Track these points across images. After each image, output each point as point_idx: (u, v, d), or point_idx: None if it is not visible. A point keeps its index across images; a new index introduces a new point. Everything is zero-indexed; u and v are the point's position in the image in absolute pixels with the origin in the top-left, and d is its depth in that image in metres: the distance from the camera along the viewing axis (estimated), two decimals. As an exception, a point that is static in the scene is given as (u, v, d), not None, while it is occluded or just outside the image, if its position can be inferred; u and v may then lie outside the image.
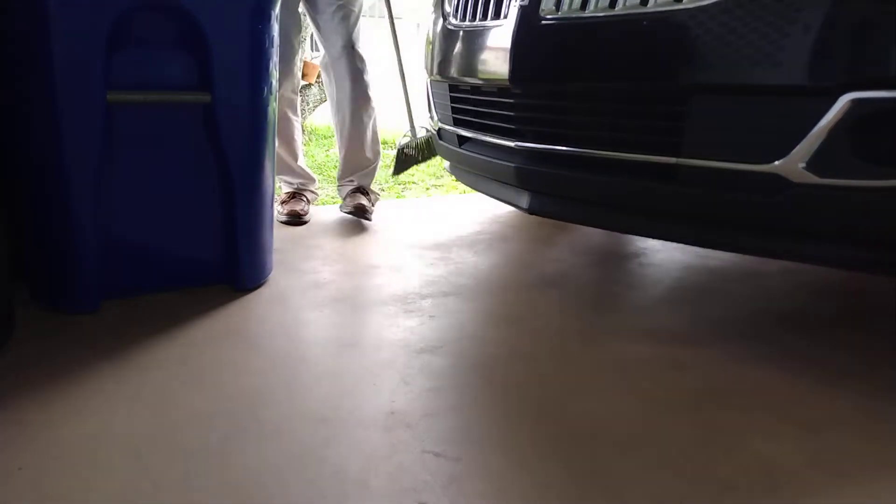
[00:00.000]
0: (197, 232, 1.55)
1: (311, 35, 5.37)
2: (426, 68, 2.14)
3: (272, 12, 1.53)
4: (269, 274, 1.71)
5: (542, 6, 1.46)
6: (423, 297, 1.63)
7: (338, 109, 2.29)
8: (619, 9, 1.31)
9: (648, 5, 1.26)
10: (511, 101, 1.62)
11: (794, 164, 1.11)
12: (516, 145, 1.64)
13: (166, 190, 1.49)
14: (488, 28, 1.67)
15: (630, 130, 1.36)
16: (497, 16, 1.65)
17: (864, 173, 1.08)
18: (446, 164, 2.29)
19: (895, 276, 1.47)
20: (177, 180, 1.50)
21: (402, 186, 3.30)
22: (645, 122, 1.33)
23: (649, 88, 1.32)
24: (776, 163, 1.13)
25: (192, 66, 1.44)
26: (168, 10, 1.38)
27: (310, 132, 5.02)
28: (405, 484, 0.90)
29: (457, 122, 1.98)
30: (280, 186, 2.38)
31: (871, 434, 1.05)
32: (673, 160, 1.27)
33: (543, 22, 1.46)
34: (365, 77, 2.26)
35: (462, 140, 1.97)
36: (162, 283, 1.56)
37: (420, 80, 2.34)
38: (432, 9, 2.06)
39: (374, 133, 2.37)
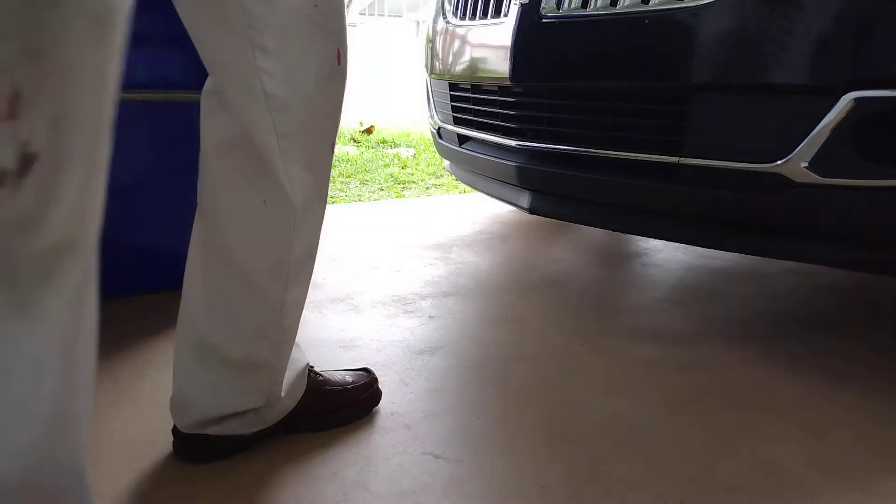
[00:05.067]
0: (196, 231, 1.55)
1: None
2: (426, 67, 2.13)
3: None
4: (269, 274, 1.70)
5: (543, 4, 1.45)
6: (423, 297, 1.62)
7: None
8: (620, 7, 1.30)
9: (650, 4, 1.25)
10: (512, 99, 1.62)
11: (796, 163, 1.11)
12: (517, 144, 1.63)
13: (165, 189, 1.48)
14: (489, 26, 1.66)
15: (631, 129, 1.35)
16: (497, 14, 1.65)
17: (866, 173, 1.07)
18: (446, 163, 2.28)
19: (897, 277, 1.46)
20: (175, 179, 1.49)
21: (401, 186, 3.29)
22: (646, 120, 1.32)
23: (651, 87, 1.31)
24: (778, 162, 1.12)
25: (190, 65, 1.43)
26: (166, 8, 1.37)
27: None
28: (405, 485, 0.89)
29: (457, 122, 1.97)
30: None
31: (873, 435, 1.04)
32: (675, 159, 1.26)
33: (544, 20, 1.45)
34: None
35: (462, 139, 1.96)
36: (161, 282, 1.55)
37: (420, 79, 2.33)
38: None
39: None
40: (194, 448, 0.93)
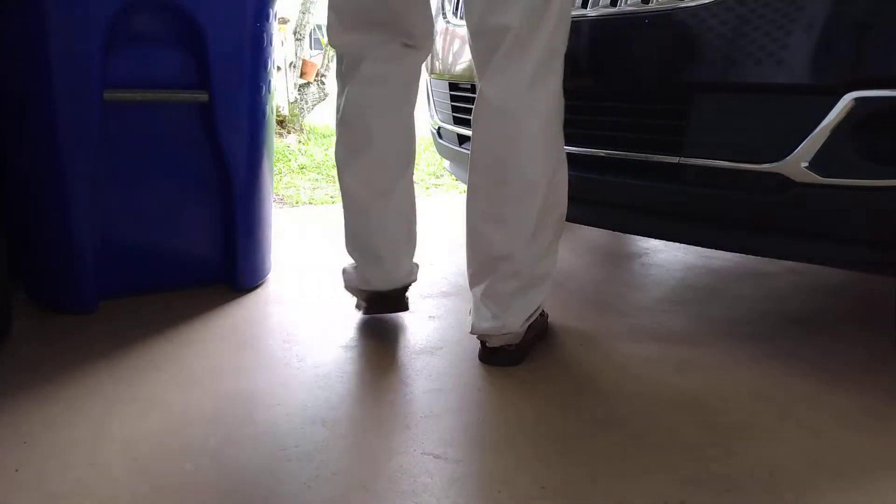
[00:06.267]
0: (195, 231, 1.54)
1: (311, 33, 5.36)
2: (426, 67, 2.13)
3: (270, 10, 1.52)
4: (268, 274, 1.70)
5: (543, 4, 1.45)
6: (423, 297, 1.62)
7: None
8: (620, 7, 1.30)
9: (650, 3, 1.25)
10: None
11: (796, 163, 1.11)
12: (517, 144, 1.63)
13: (164, 189, 1.48)
14: (488, 26, 1.66)
15: (631, 129, 1.35)
16: (497, 14, 1.64)
17: (866, 173, 1.07)
18: (446, 163, 2.28)
19: (897, 277, 1.46)
20: (175, 179, 1.49)
21: (401, 186, 3.28)
22: (646, 120, 1.32)
23: (651, 87, 1.31)
24: (779, 162, 1.12)
25: (190, 64, 1.43)
26: (166, 8, 1.37)
27: (308, 131, 5.01)
28: (405, 486, 0.89)
29: (457, 121, 1.97)
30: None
31: (873, 435, 1.04)
32: (675, 159, 1.26)
33: (544, 20, 1.44)
34: None
35: (462, 139, 1.96)
36: (160, 282, 1.55)
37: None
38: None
39: None
40: (395, 301, 1.40)
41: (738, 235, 1.26)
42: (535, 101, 1.12)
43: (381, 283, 1.36)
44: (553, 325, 1.44)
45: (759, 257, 1.78)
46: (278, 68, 4.89)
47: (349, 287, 1.43)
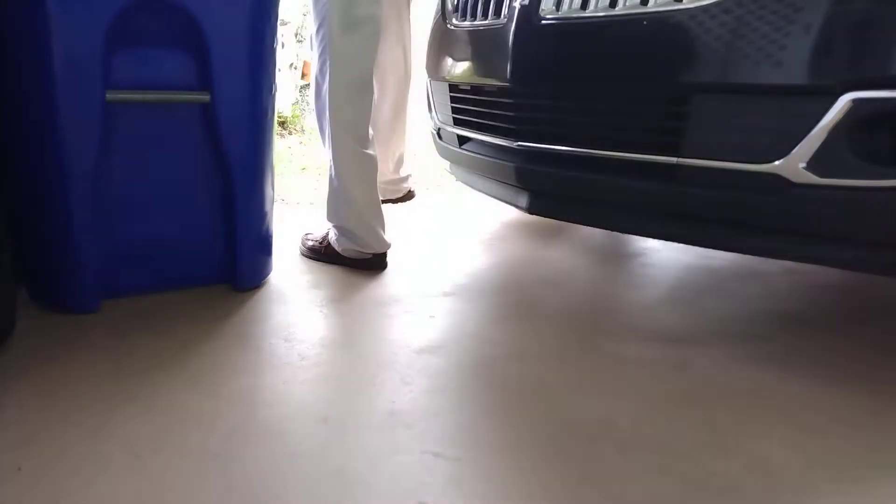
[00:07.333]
0: (196, 232, 1.55)
1: (310, 35, 5.34)
2: (427, 68, 2.14)
3: (272, 11, 1.53)
4: (269, 274, 1.71)
5: (543, 6, 1.46)
6: (423, 297, 1.62)
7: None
8: (619, 9, 1.31)
9: (649, 5, 1.26)
10: (511, 100, 1.62)
11: (794, 163, 1.11)
12: (517, 145, 1.64)
13: (166, 189, 1.49)
14: (489, 28, 1.67)
15: (630, 130, 1.36)
16: (497, 15, 1.65)
17: (864, 173, 1.08)
18: (446, 163, 2.28)
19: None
20: (176, 180, 1.49)
21: (402, 186, 3.28)
22: (645, 121, 1.33)
23: (650, 88, 1.31)
24: (776, 163, 1.13)
25: (192, 65, 1.43)
26: (167, 9, 1.37)
27: (309, 132, 5.01)
28: (405, 484, 0.89)
29: (457, 123, 1.97)
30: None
31: (871, 434, 1.05)
32: (673, 160, 1.26)
33: (544, 22, 1.45)
34: None
35: (462, 140, 1.96)
36: (161, 282, 1.55)
37: (421, 80, 2.33)
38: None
39: None
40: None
41: (737, 235, 1.26)
42: None
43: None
44: (552, 324, 1.45)
45: (758, 257, 1.78)
46: (279, 70, 4.89)
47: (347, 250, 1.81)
